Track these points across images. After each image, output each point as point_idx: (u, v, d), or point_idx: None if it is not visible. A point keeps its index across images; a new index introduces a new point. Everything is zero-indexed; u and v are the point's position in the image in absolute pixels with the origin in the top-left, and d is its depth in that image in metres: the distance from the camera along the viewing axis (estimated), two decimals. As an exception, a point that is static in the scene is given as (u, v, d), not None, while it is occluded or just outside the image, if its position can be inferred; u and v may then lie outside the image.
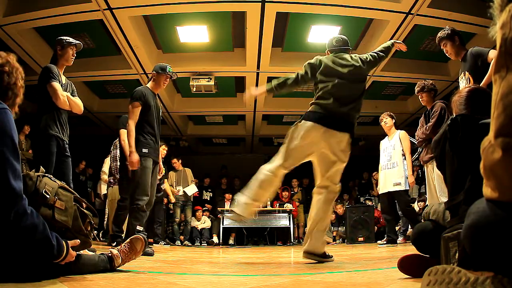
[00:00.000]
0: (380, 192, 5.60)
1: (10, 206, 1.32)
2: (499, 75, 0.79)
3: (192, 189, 7.74)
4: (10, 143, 1.34)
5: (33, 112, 3.37)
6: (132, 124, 3.68)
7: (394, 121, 5.59)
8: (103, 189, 7.15)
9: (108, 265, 1.86)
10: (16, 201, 1.34)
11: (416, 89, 4.46)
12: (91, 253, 1.91)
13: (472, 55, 3.30)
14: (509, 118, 0.76)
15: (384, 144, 5.69)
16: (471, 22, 4.89)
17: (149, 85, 3.95)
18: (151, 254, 3.64)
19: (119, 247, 2.01)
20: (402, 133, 5.48)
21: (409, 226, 5.78)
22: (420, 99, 4.46)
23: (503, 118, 0.77)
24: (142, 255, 3.62)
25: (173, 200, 7.39)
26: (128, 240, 2.05)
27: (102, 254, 1.89)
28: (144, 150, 3.69)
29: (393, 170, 5.39)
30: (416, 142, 4.72)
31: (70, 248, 1.58)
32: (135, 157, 3.60)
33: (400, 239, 5.96)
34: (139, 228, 3.63)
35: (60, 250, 1.51)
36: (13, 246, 1.41)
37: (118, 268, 1.95)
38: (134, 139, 3.66)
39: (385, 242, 5.53)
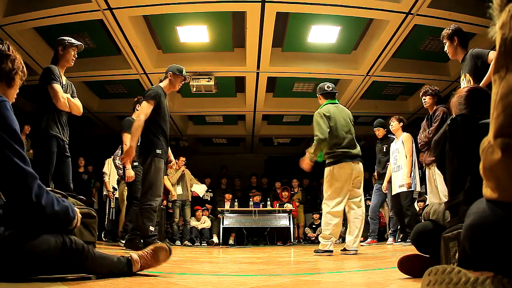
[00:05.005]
0: (392, 193, 5.73)
1: (29, 188, 1.39)
2: (498, 75, 0.79)
3: (201, 188, 7.73)
4: (14, 133, 1.41)
5: (33, 112, 3.37)
6: (143, 119, 3.66)
7: (401, 124, 5.72)
8: (105, 189, 7.20)
9: (126, 268, 1.77)
10: (32, 181, 1.41)
11: (421, 91, 4.56)
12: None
13: (472, 56, 3.31)
14: (508, 118, 0.75)
15: (392, 146, 5.83)
16: (471, 22, 4.88)
17: (163, 84, 3.91)
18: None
19: (140, 252, 1.89)
20: (405, 136, 5.60)
21: (399, 228, 5.85)
22: (423, 102, 4.52)
23: (503, 118, 0.76)
24: None
25: (175, 196, 7.39)
26: (152, 247, 1.93)
27: (122, 256, 1.80)
28: (158, 151, 3.71)
29: (398, 173, 5.55)
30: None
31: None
32: (132, 153, 3.65)
33: (390, 239, 6.00)
34: (151, 228, 3.61)
35: (73, 210, 1.59)
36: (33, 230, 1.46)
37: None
38: (139, 134, 3.67)
39: (399, 240, 5.63)
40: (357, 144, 3.92)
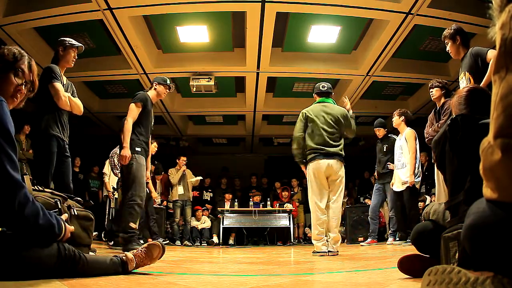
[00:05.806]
0: (395, 190, 5.59)
1: (13, 196, 1.36)
2: (498, 75, 0.79)
3: (196, 178, 7.79)
4: (7, 135, 1.37)
5: (33, 112, 3.36)
6: (130, 122, 3.84)
7: (402, 118, 5.55)
8: (105, 190, 7.20)
9: (120, 269, 1.78)
10: (18, 190, 1.38)
11: (429, 84, 4.54)
12: (91, 253, 1.90)
13: (472, 55, 3.32)
14: (508, 119, 0.75)
15: (397, 143, 5.69)
16: (471, 22, 4.89)
17: (150, 93, 4.15)
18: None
19: (135, 250, 1.93)
20: (408, 132, 5.45)
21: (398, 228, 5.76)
22: (431, 94, 4.50)
23: (503, 119, 0.76)
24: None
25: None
26: (145, 245, 1.98)
27: (115, 256, 1.81)
28: (138, 149, 3.87)
29: (402, 170, 5.44)
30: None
31: (66, 224, 1.62)
32: (128, 152, 3.74)
33: (390, 239, 5.94)
34: (132, 225, 3.67)
35: (60, 227, 1.57)
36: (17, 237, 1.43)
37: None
38: (130, 136, 3.80)
39: (398, 239, 5.55)
40: (339, 144, 3.89)
